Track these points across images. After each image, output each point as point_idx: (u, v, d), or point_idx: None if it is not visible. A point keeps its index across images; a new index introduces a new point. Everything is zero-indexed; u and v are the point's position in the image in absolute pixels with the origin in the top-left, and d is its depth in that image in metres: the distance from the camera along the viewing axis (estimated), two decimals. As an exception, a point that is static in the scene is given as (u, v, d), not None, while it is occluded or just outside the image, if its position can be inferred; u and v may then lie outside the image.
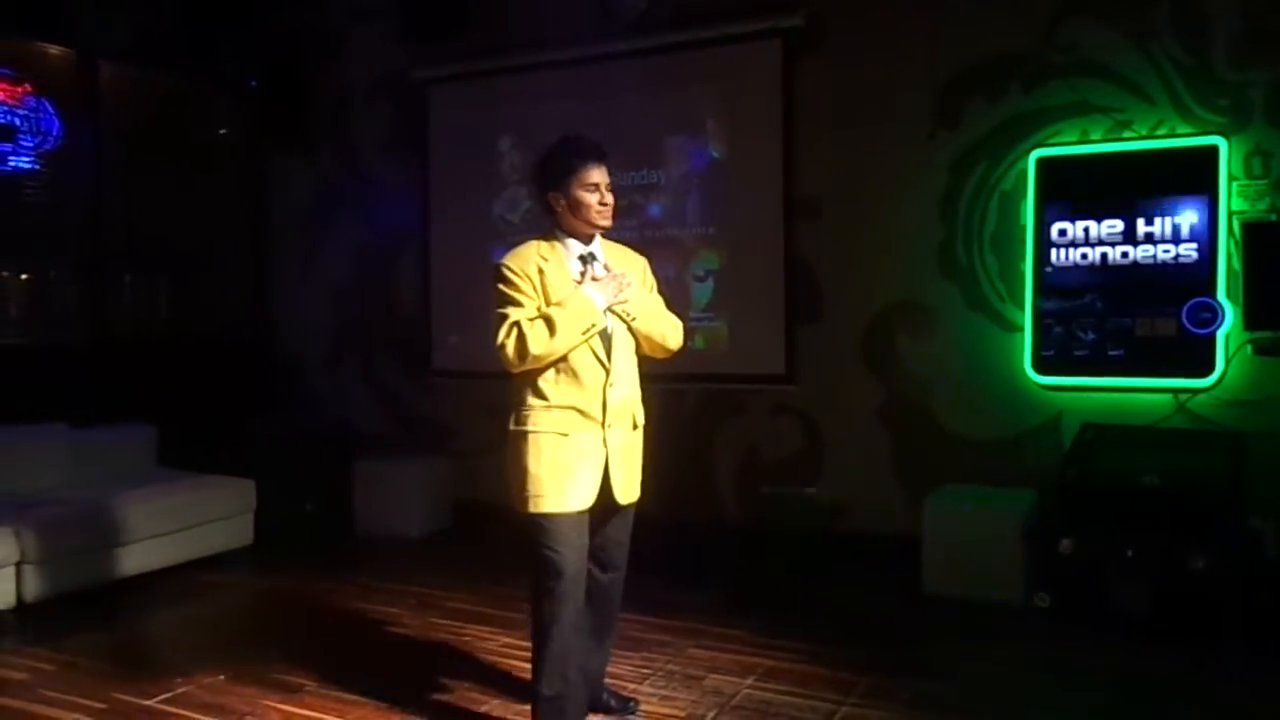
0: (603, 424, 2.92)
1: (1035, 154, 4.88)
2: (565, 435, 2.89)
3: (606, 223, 2.96)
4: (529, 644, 4.01)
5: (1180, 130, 4.65)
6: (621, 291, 2.93)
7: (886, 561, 4.88)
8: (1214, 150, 4.53)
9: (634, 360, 3.05)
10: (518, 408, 2.94)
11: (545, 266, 2.90)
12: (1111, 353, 4.70)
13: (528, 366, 2.84)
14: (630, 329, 3.01)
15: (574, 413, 2.89)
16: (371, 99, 6.72)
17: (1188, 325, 4.52)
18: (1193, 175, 4.57)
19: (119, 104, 6.27)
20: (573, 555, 2.90)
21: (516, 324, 2.81)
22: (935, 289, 5.18)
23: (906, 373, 5.25)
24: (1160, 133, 4.69)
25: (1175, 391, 4.60)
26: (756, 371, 5.56)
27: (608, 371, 2.92)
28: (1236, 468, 4.17)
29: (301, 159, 6.98)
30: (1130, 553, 4.08)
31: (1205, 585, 3.93)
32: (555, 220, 2.99)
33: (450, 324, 6.47)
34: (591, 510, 2.96)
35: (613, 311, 2.93)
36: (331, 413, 6.78)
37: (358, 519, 6.05)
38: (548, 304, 2.87)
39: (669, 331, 3.09)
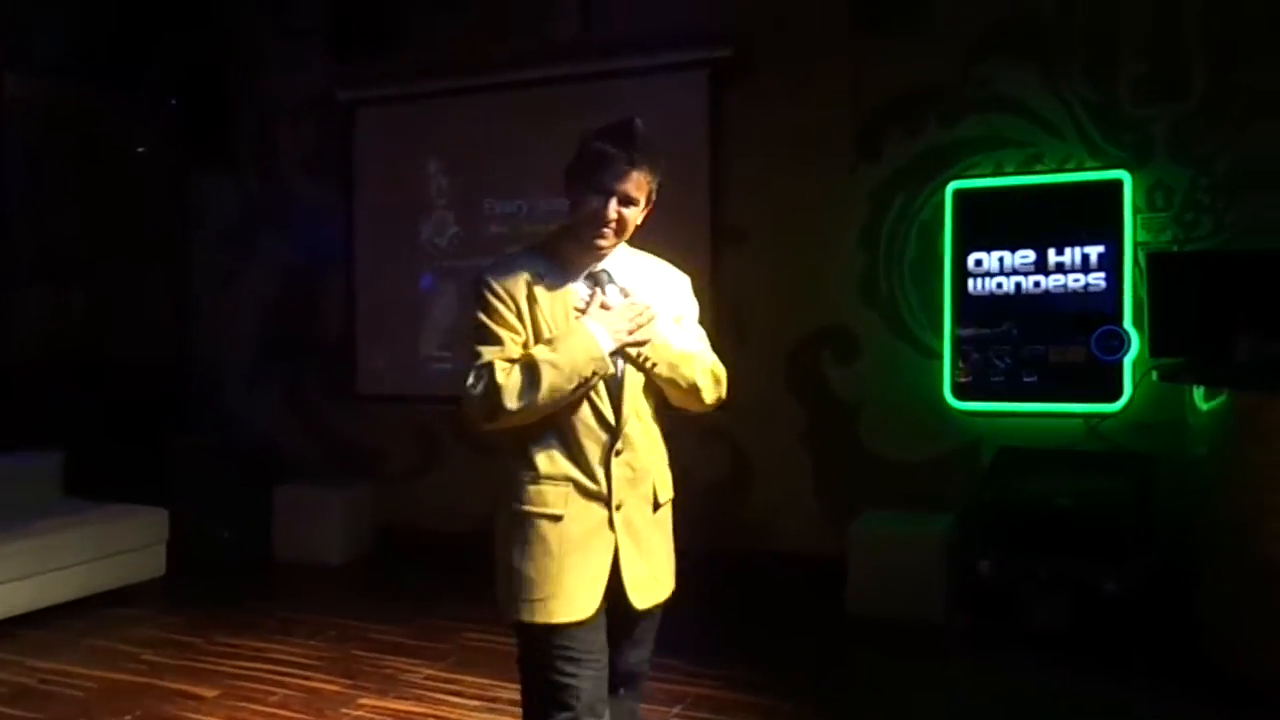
0: (609, 502, 2.20)
1: (952, 186, 5.02)
2: (559, 519, 2.17)
3: (604, 242, 2.20)
4: (454, 675, 3.98)
5: (1088, 164, 4.83)
6: (641, 328, 2.18)
7: (812, 584, 4.94)
8: (1119, 184, 4.72)
9: (652, 417, 2.30)
10: (503, 480, 2.24)
11: (539, 287, 2.19)
12: (1026, 379, 4.84)
13: (500, 424, 2.15)
14: (649, 376, 2.26)
15: (570, 486, 2.19)
16: (298, 118, 6.62)
17: (1097, 352, 4.68)
18: (1100, 208, 4.74)
19: (30, 118, 6.07)
20: (587, 680, 2.18)
21: (489, 367, 2.12)
22: (858, 316, 5.28)
23: (831, 398, 5.34)
24: (1069, 166, 4.87)
25: (1086, 416, 4.75)
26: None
27: (615, 433, 2.20)
28: (1144, 490, 4.32)
29: (225, 176, 6.84)
30: (1045, 574, 4.19)
31: (1116, 605, 4.05)
32: (567, 225, 2.27)
33: (376, 347, 6.39)
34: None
35: (624, 354, 2.20)
36: (252, 436, 6.62)
37: (278, 546, 5.90)
38: (536, 339, 2.17)
39: (704, 381, 2.29)
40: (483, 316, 2.18)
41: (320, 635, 4.52)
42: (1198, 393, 3.97)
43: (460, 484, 5.87)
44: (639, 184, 2.18)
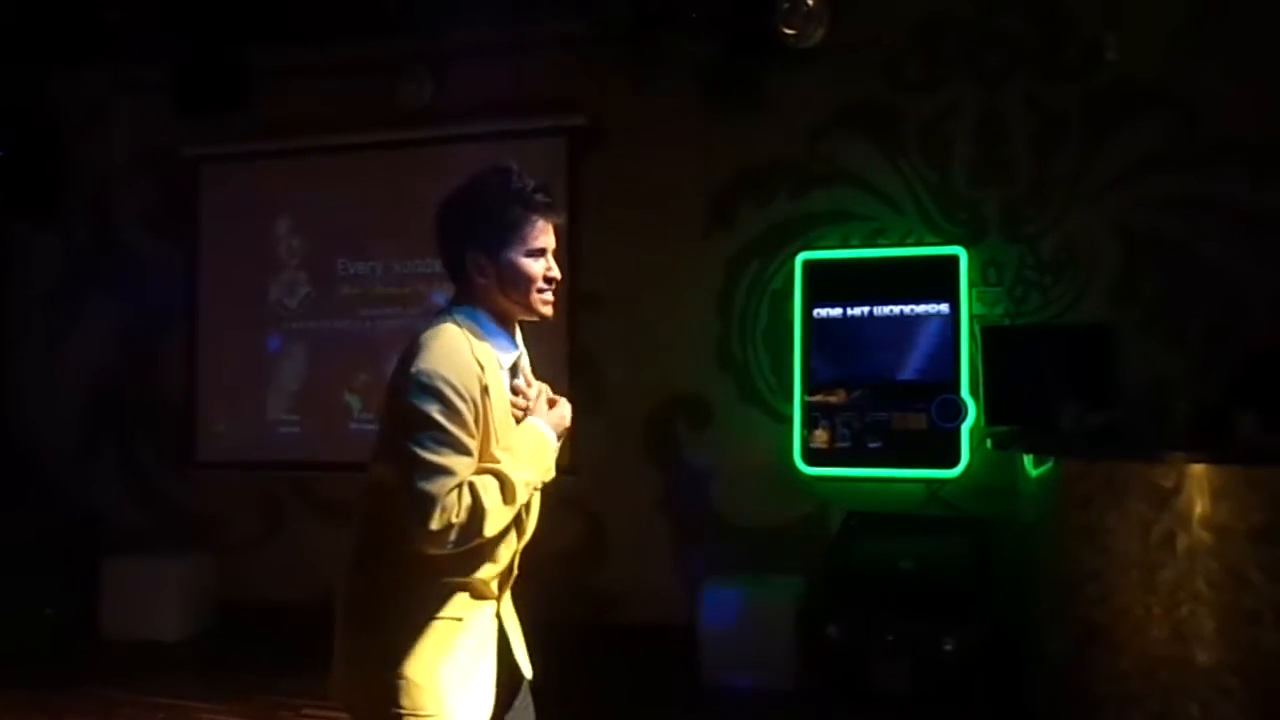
0: (499, 597, 2.06)
1: (801, 256, 5.19)
2: (459, 620, 1.95)
3: (549, 310, 2.02)
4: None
5: (927, 240, 5.08)
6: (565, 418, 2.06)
7: (667, 651, 4.91)
8: (955, 259, 4.96)
9: None
10: (385, 572, 1.94)
11: (487, 381, 1.91)
12: (871, 445, 4.99)
13: (463, 549, 1.88)
14: None
15: (471, 589, 1.98)
16: (137, 173, 6.36)
17: (936, 420, 4.87)
18: (938, 281, 4.97)
19: None
20: None
21: (470, 488, 1.83)
22: (713, 382, 5.38)
23: (685, 463, 5.39)
24: (910, 241, 5.11)
25: (928, 481, 4.93)
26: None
27: (522, 533, 2.04)
28: (981, 553, 4.50)
29: (53, 233, 6.49)
30: (890, 635, 4.30)
31: (955, 664, 4.19)
32: (473, 295, 1.99)
33: (219, 411, 6.14)
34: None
35: None
36: (79, 507, 6.21)
37: (105, 623, 5.53)
38: (486, 441, 1.91)
39: None
40: (447, 423, 1.83)
41: (147, 718, 4.26)
42: (1028, 460, 4.17)
43: (305, 552, 5.65)
44: (557, 233, 2.03)
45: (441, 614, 1.93)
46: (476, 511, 1.82)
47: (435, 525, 1.79)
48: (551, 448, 1.99)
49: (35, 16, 5.68)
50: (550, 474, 2.02)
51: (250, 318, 6.07)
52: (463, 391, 1.85)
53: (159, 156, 6.27)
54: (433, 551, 1.85)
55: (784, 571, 4.94)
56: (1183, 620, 3.48)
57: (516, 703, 2.13)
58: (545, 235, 1.98)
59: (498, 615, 2.05)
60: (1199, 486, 3.52)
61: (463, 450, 1.84)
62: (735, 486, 5.29)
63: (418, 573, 1.92)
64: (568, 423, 2.04)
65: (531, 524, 2.08)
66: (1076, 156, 4.91)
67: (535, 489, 1.99)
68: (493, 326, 1.99)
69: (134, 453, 6.35)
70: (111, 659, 5.23)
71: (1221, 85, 4.69)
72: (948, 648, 4.20)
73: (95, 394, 6.43)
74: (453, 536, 1.82)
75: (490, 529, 1.85)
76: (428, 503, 1.79)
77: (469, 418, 1.85)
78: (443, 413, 1.83)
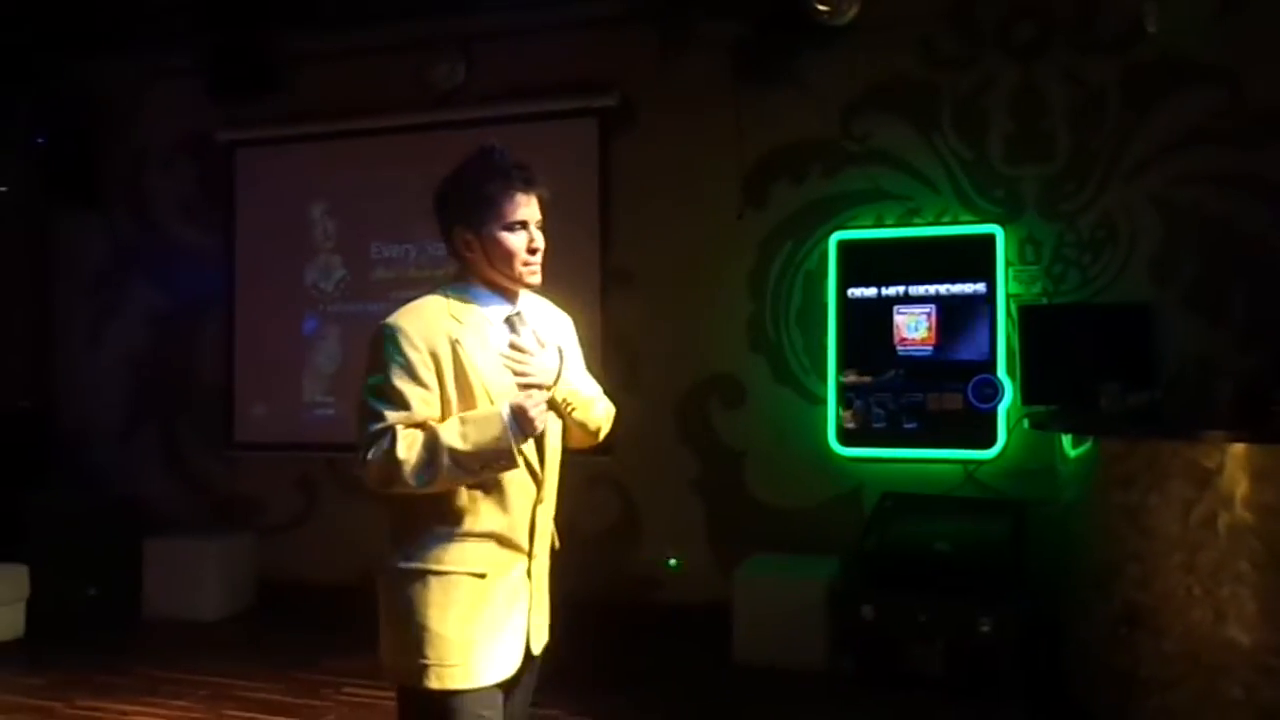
0: (529, 553, 2.11)
1: (835, 236, 5.15)
2: (483, 576, 2.03)
3: (536, 279, 2.13)
4: (329, 737, 3.83)
5: (963, 218, 5.02)
6: (560, 377, 2.10)
7: (700, 631, 4.93)
8: (992, 238, 4.91)
9: (560, 462, 2.25)
10: (407, 533, 2.04)
11: (461, 336, 2.03)
12: (906, 425, 4.96)
13: (395, 493, 2.00)
14: (565, 421, 2.19)
15: (493, 543, 2.05)
16: (173, 159, 6.43)
17: (973, 400, 4.83)
18: (975, 260, 4.92)
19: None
20: None
21: (390, 435, 1.95)
22: (746, 362, 5.36)
23: (719, 444, 5.38)
24: (945, 220, 5.05)
25: (964, 462, 4.89)
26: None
27: (541, 484, 2.12)
28: (1018, 534, 4.45)
29: (94, 219, 6.58)
30: (924, 617, 4.28)
31: (991, 646, 4.16)
32: (466, 267, 2.13)
33: (256, 394, 6.20)
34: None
35: (551, 404, 2.10)
36: (121, 488, 6.32)
37: (147, 603, 5.63)
38: (458, 398, 2.01)
39: (603, 415, 2.26)
40: (391, 372, 1.98)
41: (190, 695, 4.32)
42: (1066, 440, 4.12)
43: (342, 532, 5.71)
44: (539, 203, 2.14)
45: (463, 568, 2.02)
46: (390, 459, 1.94)
47: (359, 464, 1.98)
48: (499, 428, 1.95)
49: (70, 5, 5.74)
50: (507, 461, 1.96)
51: (286, 301, 6.13)
52: (418, 341, 1.99)
53: (194, 143, 6.34)
54: (371, 488, 1.99)
55: (818, 552, 4.93)
56: (1225, 601, 3.43)
57: (526, 680, 2.18)
58: (524, 208, 2.10)
59: (529, 574, 2.11)
60: (1241, 466, 3.45)
61: (398, 402, 1.98)
62: (769, 467, 5.28)
63: (431, 527, 2.03)
64: (530, 410, 1.98)
65: (550, 479, 2.16)
66: (1115, 132, 4.83)
67: (491, 466, 1.96)
68: (487, 295, 2.12)
69: (174, 435, 6.45)
70: (153, 638, 5.32)
71: (1264, 58, 4.59)
72: (984, 630, 4.17)
73: (137, 378, 6.52)
74: (371, 475, 1.97)
75: (414, 479, 1.93)
76: (358, 440, 1.99)
77: (421, 369, 1.99)
78: (391, 360, 1.99)
